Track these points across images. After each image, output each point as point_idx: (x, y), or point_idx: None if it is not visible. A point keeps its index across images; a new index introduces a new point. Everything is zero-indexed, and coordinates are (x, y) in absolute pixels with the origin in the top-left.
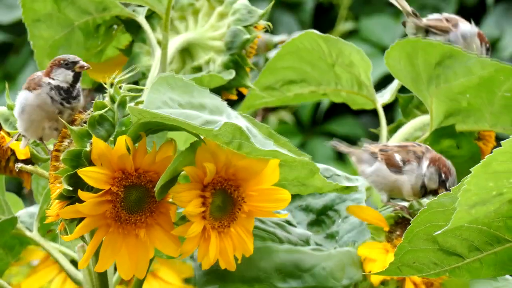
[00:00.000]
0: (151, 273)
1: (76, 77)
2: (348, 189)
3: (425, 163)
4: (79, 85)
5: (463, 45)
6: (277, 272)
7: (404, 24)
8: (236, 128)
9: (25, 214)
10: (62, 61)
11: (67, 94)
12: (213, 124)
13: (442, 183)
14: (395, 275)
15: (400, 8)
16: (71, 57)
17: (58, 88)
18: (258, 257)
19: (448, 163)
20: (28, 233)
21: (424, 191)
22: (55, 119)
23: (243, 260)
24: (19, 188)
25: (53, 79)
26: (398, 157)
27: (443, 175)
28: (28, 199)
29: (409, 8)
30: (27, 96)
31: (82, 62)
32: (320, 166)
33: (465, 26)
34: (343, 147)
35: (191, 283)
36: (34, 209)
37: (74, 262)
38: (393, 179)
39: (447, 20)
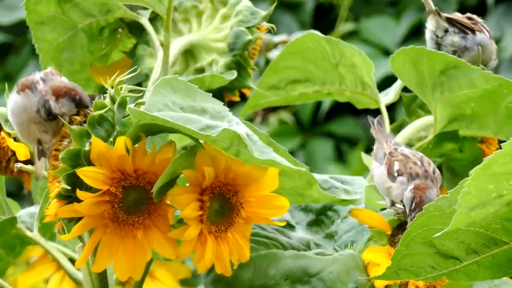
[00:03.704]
0: (149, 274)
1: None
2: (345, 201)
3: (410, 185)
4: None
5: (476, 54)
6: (285, 278)
7: (428, 15)
8: (234, 135)
9: (26, 214)
10: (76, 96)
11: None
12: (212, 129)
13: (410, 212)
14: (393, 279)
15: (424, 3)
16: (83, 98)
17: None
18: (265, 265)
19: (426, 198)
20: (28, 233)
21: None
22: (41, 123)
23: (250, 268)
24: (18, 189)
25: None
26: (396, 166)
27: (413, 205)
28: (28, 200)
29: (433, 5)
30: (16, 99)
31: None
32: (319, 177)
33: (484, 34)
34: (374, 130)
35: (187, 284)
36: (34, 209)
37: (73, 262)
38: (388, 185)
39: (469, 18)
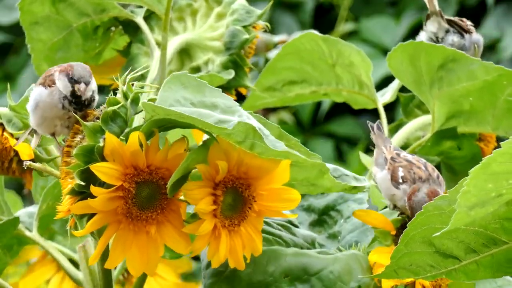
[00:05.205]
0: None
1: (74, 94)
2: (356, 189)
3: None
4: (93, 89)
5: (473, 53)
6: (285, 276)
7: (427, 17)
8: (249, 128)
9: (25, 213)
10: (69, 72)
11: (78, 104)
12: (226, 123)
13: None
14: (392, 278)
15: (427, 5)
16: (77, 73)
17: (70, 96)
18: (265, 261)
19: (415, 200)
20: (27, 233)
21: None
22: (66, 119)
23: (250, 264)
24: (19, 189)
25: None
26: (400, 173)
27: (409, 209)
28: (28, 199)
29: (437, 6)
30: (42, 93)
31: (81, 86)
32: (329, 166)
33: (478, 35)
34: (373, 135)
35: (188, 278)
36: (33, 208)
37: (72, 262)
38: (393, 193)
39: (462, 21)
